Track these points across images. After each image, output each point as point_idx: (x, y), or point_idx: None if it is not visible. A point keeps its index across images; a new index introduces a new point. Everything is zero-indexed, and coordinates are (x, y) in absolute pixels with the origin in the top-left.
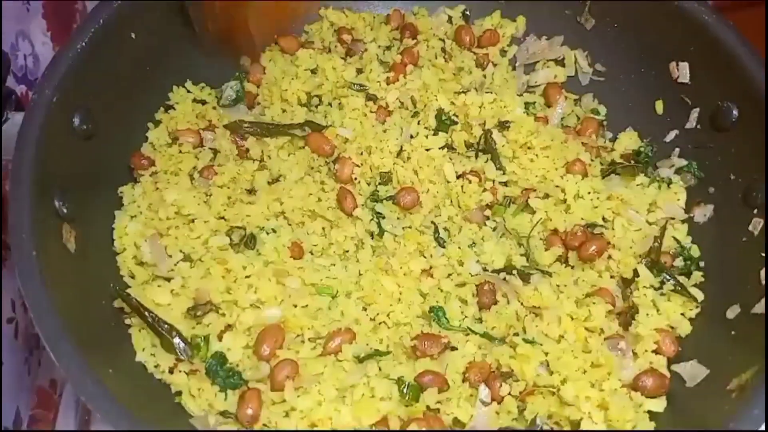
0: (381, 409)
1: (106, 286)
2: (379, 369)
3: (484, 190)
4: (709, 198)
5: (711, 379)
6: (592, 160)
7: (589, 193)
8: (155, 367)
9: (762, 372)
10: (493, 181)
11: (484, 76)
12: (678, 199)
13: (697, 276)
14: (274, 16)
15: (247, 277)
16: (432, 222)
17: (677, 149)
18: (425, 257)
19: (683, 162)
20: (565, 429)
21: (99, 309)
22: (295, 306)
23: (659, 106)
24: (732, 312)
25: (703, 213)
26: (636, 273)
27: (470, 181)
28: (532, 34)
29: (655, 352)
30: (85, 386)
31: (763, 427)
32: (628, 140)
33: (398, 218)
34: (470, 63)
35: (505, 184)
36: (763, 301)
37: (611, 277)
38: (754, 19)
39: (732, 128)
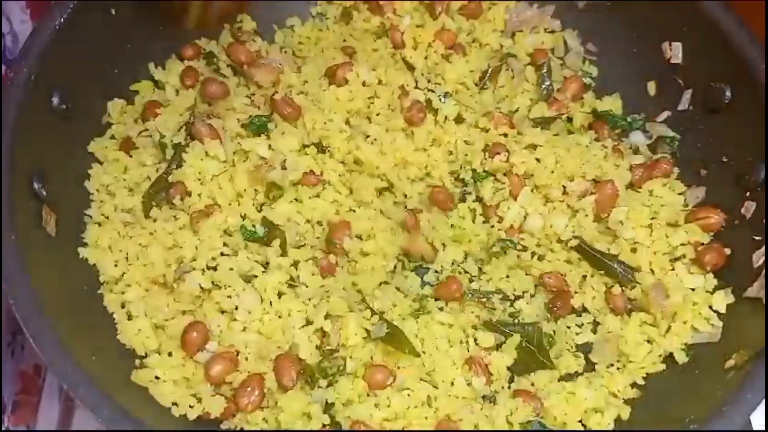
0: None
1: (88, 270)
2: None
3: None
4: (700, 180)
5: (709, 355)
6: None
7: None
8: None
9: (759, 357)
10: None
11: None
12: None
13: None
14: None
15: None
16: None
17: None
18: None
19: (669, 132)
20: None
21: (81, 294)
22: None
23: (651, 87)
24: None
25: (695, 195)
26: None
27: None
28: (524, 2)
29: None
30: (66, 373)
31: (762, 427)
32: (611, 104)
33: None
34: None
35: None
36: (755, 284)
37: None
38: (755, 6)
39: (725, 110)
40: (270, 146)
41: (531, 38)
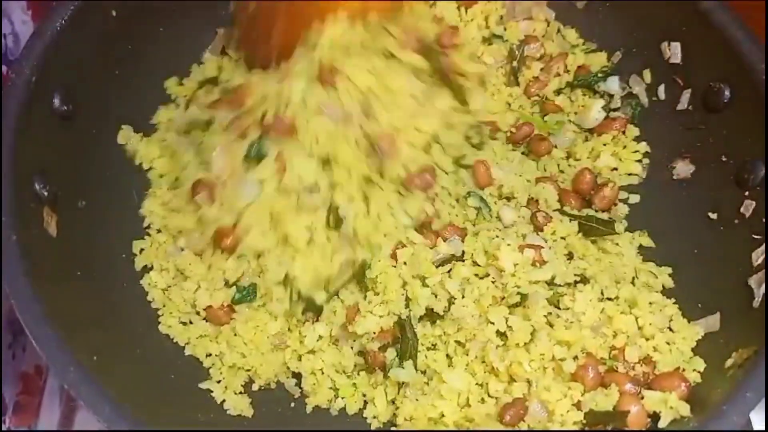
0: None
1: (90, 270)
2: None
3: None
4: (700, 180)
5: (709, 354)
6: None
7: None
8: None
9: (760, 354)
10: None
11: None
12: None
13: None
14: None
15: None
16: None
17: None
18: None
19: (644, 98)
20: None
21: (83, 294)
22: None
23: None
24: None
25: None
26: None
27: None
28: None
29: None
30: (67, 373)
31: (762, 426)
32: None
33: None
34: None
35: None
36: (754, 284)
37: None
38: (755, 6)
39: (724, 109)
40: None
41: (524, 24)
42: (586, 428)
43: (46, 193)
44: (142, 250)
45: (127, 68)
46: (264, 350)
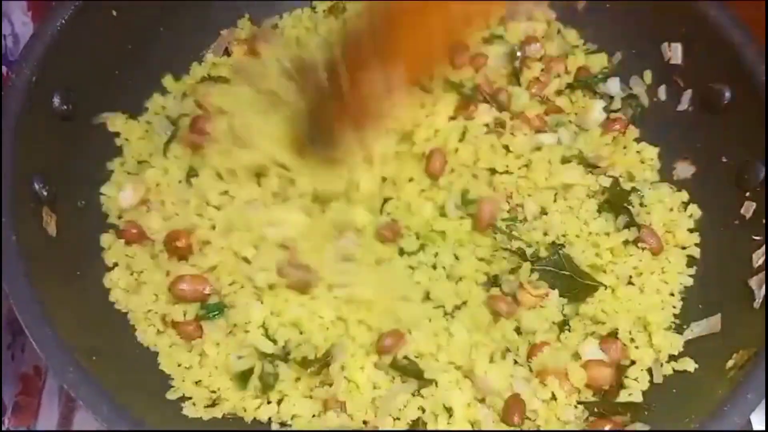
0: None
1: (90, 270)
2: None
3: None
4: (700, 181)
5: (709, 355)
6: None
7: None
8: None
9: (760, 356)
10: None
11: None
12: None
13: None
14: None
15: None
16: None
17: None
18: None
19: (645, 99)
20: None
21: (82, 294)
22: None
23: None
24: None
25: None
26: None
27: None
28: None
29: None
30: (67, 374)
31: (762, 427)
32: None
33: None
34: None
35: None
36: (754, 285)
37: None
38: (755, 6)
39: (724, 110)
40: None
41: (524, 25)
42: (587, 428)
43: (45, 193)
44: (111, 245)
45: (127, 68)
46: (231, 375)
